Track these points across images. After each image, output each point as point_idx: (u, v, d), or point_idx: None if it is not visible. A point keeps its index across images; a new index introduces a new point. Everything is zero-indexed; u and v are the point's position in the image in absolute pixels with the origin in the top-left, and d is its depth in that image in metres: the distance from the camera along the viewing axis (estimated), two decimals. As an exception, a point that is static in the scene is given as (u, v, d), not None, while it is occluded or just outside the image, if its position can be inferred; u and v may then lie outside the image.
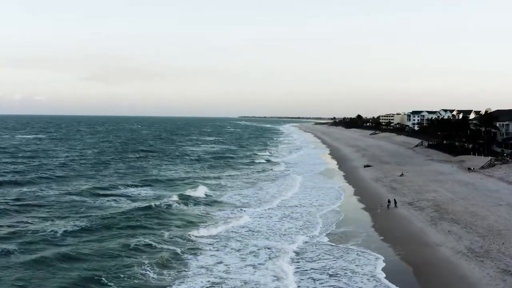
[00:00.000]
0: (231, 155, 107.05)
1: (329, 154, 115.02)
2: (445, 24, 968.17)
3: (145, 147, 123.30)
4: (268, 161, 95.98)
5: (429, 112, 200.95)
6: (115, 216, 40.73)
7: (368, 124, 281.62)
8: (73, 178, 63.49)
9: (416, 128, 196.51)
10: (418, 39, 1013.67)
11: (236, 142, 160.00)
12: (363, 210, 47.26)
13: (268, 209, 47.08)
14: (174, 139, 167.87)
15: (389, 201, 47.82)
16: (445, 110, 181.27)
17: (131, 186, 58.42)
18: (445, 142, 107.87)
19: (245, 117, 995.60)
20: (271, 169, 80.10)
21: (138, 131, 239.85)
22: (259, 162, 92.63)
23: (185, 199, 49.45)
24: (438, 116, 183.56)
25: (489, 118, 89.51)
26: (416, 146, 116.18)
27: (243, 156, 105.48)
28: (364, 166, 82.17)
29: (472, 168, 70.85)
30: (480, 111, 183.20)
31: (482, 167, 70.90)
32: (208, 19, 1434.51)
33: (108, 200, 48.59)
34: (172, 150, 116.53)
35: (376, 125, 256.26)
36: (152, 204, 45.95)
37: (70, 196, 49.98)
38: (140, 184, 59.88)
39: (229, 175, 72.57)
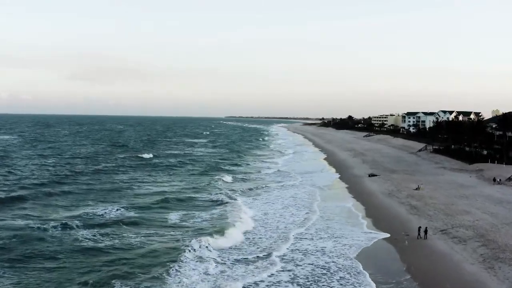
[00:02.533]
0: (232, 163, 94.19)
1: (325, 159, 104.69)
2: (438, 25, 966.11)
3: (127, 153, 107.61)
4: (278, 171, 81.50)
5: (425, 114, 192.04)
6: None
7: (359, 125, 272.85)
8: (24, 201, 48.76)
9: (412, 130, 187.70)
10: (407, 40, 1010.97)
11: (231, 146, 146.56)
12: (385, 242, 36.76)
13: (292, 251, 34.10)
14: (160, 142, 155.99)
15: (420, 229, 37.14)
16: (444, 112, 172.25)
17: (100, 214, 45.43)
18: (453, 147, 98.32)
19: (232, 117, 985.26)
20: (283, 183, 67.11)
21: (121, 132, 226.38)
22: (267, 173, 78.47)
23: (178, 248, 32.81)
24: (437, 118, 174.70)
25: (511, 121, 79.64)
26: (420, 150, 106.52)
27: (246, 165, 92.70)
28: (369, 176, 72.04)
29: (499, 180, 60.88)
30: (480, 113, 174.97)
31: (510, 179, 60.98)
32: (196, 20, 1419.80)
33: (60, 241, 35.51)
34: (160, 156, 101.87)
35: (368, 126, 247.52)
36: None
37: (6, 231, 36.12)
38: (119, 209, 45.51)
39: (239, 192, 57.88)
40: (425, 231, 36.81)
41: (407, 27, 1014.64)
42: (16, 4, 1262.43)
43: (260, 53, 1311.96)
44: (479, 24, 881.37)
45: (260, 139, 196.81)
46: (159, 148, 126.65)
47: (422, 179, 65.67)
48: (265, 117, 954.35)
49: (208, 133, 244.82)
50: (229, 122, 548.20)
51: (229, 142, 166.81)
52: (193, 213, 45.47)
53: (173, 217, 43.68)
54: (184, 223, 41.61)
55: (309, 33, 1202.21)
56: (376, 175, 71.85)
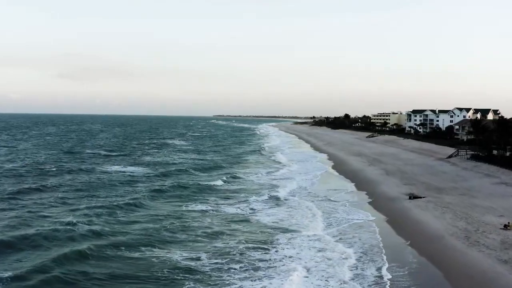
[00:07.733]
0: (234, 177, 69.79)
1: (333, 168, 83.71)
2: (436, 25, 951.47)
3: (84, 173, 75.53)
4: (297, 195, 57.19)
5: (433, 111, 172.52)
6: None
7: (357, 124, 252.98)
8: None
9: (419, 129, 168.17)
10: (399, 40, 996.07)
11: (227, 151, 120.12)
12: None
13: None
14: (139, 147, 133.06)
15: None
16: (460, 109, 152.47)
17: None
18: (495, 152, 78.19)
19: (220, 116, 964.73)
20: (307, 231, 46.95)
21: (95, 134, 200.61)
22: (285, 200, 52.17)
23: None
24: (451, 116, 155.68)
25: None
26: (451, 156, 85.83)
27: (254, 177, 70.08)
28: (409, 198, 50.97)
29: None
30: (498, 110, 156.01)
31: None
32: (184, 20, 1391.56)
33: None
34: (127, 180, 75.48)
35: (367, 125, 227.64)
36: None
37: None
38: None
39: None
40: None
41: (384, 28, 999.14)
42: (4, 3, 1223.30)
43: (245, 52, 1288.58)
44: (478, 24, 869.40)
45: (260, 141, 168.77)
46: (132, 158, 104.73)
47: (495, 206, 44.77)
48: (254, 116, 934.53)
49: (198, 134, 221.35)
50: (219, 122, 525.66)
51: (226, 144, 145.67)
52: None
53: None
54: None
55: (306, 33, 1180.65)
56: (420, 197, 50.83)
